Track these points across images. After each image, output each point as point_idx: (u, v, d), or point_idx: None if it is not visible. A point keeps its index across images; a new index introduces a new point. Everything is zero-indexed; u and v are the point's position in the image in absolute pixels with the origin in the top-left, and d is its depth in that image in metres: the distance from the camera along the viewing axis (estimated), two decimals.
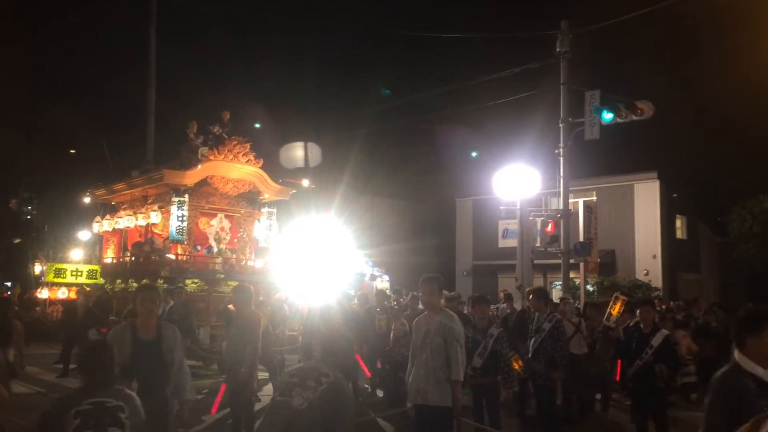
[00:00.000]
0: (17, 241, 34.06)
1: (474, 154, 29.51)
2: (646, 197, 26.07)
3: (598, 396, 9.99)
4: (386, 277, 23.07)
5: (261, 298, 12.83)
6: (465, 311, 11.40)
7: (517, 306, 11.95)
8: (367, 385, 11.00)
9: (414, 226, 33.63)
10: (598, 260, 16.38)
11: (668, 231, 26.65)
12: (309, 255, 16.09)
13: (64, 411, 3.36)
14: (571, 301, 11.96)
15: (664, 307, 15.39)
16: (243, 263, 17.32)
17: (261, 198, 18.00)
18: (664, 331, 6.81)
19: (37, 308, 19.93)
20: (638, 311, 7.37)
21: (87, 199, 21.24)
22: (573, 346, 8.85)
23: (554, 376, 7.30)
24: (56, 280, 20.55)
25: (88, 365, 3.55)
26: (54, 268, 20.76)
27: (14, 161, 30.54)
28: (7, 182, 32.35)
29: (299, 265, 16.06)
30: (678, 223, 28.53)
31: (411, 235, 31.73)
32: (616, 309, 9.10)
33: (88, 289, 18.47)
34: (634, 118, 13.97)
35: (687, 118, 33.05)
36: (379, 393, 10.76)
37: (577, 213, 15.93)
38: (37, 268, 22.59)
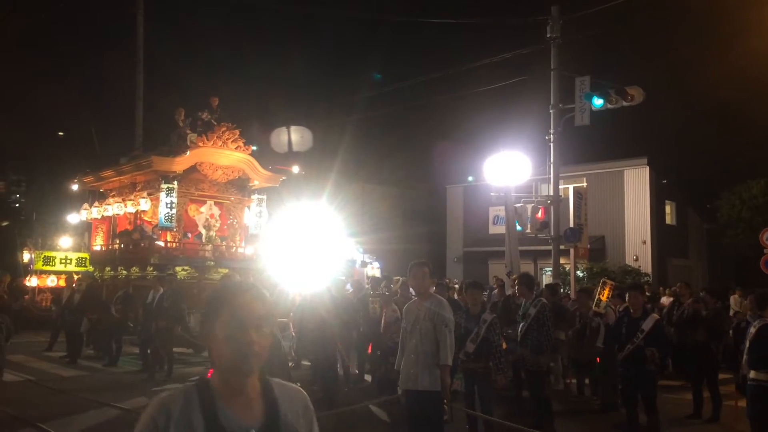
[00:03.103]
0: (5, 224, 33.83)
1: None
2: (636, 183, 26.15)
3: (587, 381, 10.08)
4: (377, 264, 23.08)
5: None
6: (455, 297, 11.45)
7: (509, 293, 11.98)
8: (356, 371, 11.02)
9: (405, 212, 33.62)
10: (588, 246, 16.43)
11: (658, 217, 26.77)
12: (299, 242, 16.06)
13: None
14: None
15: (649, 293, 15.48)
16: (233, 250, 17.27)
17: (251, 185, 17.92)
18: (655, 316, 6.84)
19: (26, 296, 19.79)
20: (627, 296, 7.39)
21: (75, 186, 21.06)
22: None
23: (541, 362, 7.31)
24: (45, 268, 20.41)
25: None
26: (43, 256, 20.60)
27: (2, 144, 30.23)
28: None
29: (290, 252, 16.03)
30: (667, 208, 28.66)
31: (402, 221, 31.73)
32: (604, 294, 9.11)
33: (76, 276, 18.37)
34: (625, 104, 13.96)
35: (677, 103, 33.15)
36: (368, 378, 10.78)
37: (567, 199, 15.95)
38: (26, 256, 22.42)
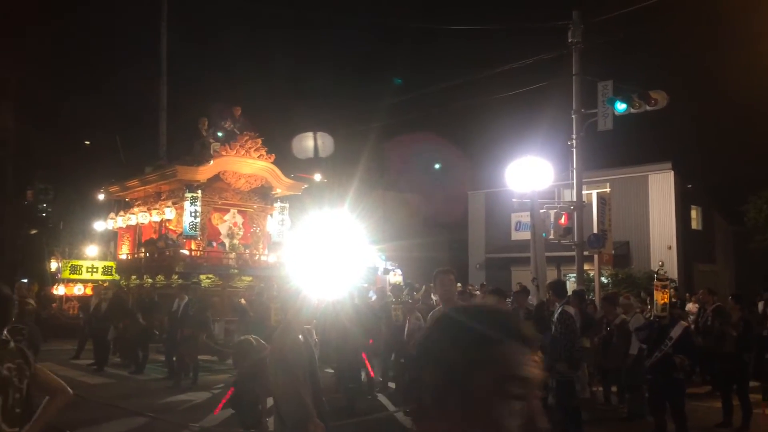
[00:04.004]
0: (33, 232, 34.46)
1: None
2: (661, 188, 25.85)
3: (614, 389, 9.96)
4: (399, 271, 23.06)
5: (275, 293, 12.87)
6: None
7: (533, 300, 11.91)
8: (380, 378, 11.00)
9: (426, 219, 33.55)
10: (613, 252, 16.26)
11: (683, 222, 26.41)
12: (322, 249, 16.09)
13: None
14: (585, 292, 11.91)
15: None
16: (256, 258, 17.37)
17: (273, 193, 18.04)
18: (683, 323, 6.75)
19: (54, 305, 20.11)
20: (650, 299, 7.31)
21: (101, 196, 21.39)
22: None
23: (560, 369, 7.17)
24: (72, 276, 20.72)
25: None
26: (70, 265, 20.93)
27: (30, 152, 30.73)
28: (23, 173, 32.51)
29: (312, 259, 16.06)
30: (693, 213, 28.27)
31: (423, 228, 31.67)
32: (666, 297, 8.73)
33: (105, 284, 18.59)
34: (648, 108, 13.83)
35: (702, 107, 32.69)
36: (392, 385, 10.76)
37: (590, 205, 15.83)
38: (53, 265, 22.78)
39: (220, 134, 17.04)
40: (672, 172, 25.71)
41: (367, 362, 10.29)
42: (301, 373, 4.19)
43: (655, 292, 7.51)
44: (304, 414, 4.04)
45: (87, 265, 21.15)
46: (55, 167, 35.08)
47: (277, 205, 17.98)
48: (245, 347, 7.41)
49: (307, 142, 17.16)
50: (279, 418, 4.23)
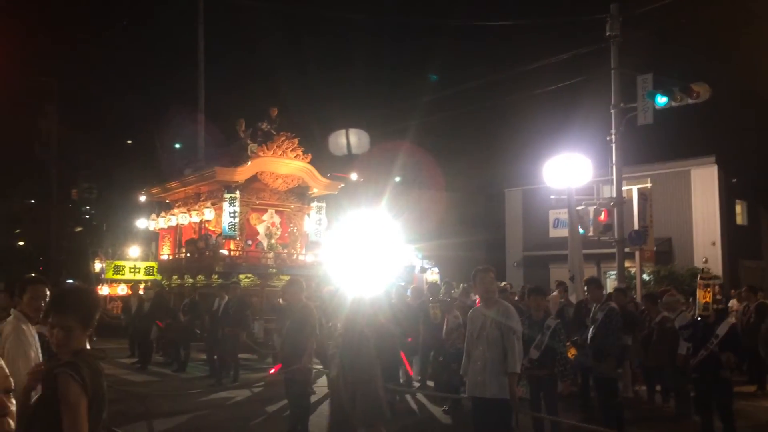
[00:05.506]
0: (78, 229, 35.44)
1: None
2: (704, 183, 25.25)
3: (658, 388, 9.77)
4: (436, 269, 23.00)
5: (314, 292, 12.97)
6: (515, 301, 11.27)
7: (572, 297, 11.76)
8: (419, 377, 10.98)
9: (463, 217, 33.39)
10: (654, 249, 15.93)
11: (728, 217, 25.75)
12: (359, 248, 16.15)
13: None
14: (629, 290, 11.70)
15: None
16: (294, 257, 17.51)
17: (310, 193, 18.15)
18: (730, 320, 6.58)
19: None
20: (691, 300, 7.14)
21: (143, 198, 21.82)
22: None
23: (603, 369, 7.05)
24: (115, 276, 21.20)
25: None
26: (113, 266, 21.41)
27: (74, 152, 31.56)
28: (68, 173, 33.40)
29: (350, 258, 16.14)
30: (738, 208, 27.54)
31: (460, 226, 31.52)
32: (708, 296, 8.50)
33: (141, 285, 18.96)
34: (690, 101, 13.49)
35: (747, 99, 31.76)
36: (430, 383, 10.73)
37: (631, 201, 15.53)
38: (97, 266, 23.33)
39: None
40: (716, 166, 25.08)
41: (405, 360, 10.28)
42: (377, 371, 4.14)
43: (697, 290, 7.31)
44: (377, 410, 3.97)
45: (130, 265, 21.61)
46: (98, 167, 36.06)
47: (314, 204, 18.10)
48: (280, 309, 7.71)
49: (343, 139, 17.23)
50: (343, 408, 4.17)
